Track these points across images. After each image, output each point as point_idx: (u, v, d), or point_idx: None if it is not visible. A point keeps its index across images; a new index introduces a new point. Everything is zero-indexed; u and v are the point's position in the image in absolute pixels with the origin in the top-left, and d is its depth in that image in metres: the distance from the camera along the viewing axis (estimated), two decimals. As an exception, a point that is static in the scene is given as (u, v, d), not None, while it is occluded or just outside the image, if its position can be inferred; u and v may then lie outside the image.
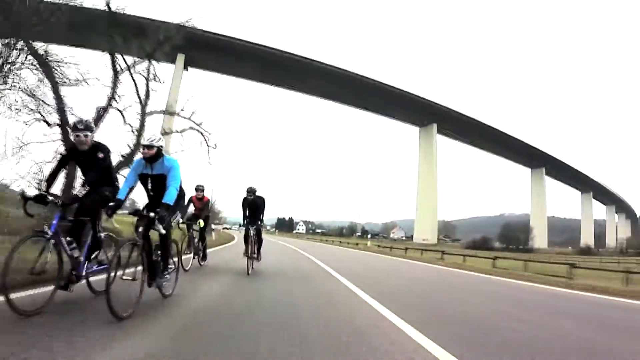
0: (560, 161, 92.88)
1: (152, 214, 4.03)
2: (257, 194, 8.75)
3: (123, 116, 11.81)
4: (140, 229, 4.10)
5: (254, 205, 8.75)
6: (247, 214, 8.79)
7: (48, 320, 3.34)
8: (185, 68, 64.54)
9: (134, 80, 12.13)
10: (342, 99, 78.22)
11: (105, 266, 4.31)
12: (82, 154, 4.20)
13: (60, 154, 4.31)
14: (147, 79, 12.32)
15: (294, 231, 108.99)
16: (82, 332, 3.10)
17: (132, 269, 3.88)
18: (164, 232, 4.28)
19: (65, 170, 4.40)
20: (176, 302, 4.63)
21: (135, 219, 4.21)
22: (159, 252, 4.50)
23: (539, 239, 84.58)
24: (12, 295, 3.34)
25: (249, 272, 7.98)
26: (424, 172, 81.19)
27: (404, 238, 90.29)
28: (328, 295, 6.26)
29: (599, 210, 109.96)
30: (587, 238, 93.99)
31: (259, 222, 8.84)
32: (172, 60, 54.56)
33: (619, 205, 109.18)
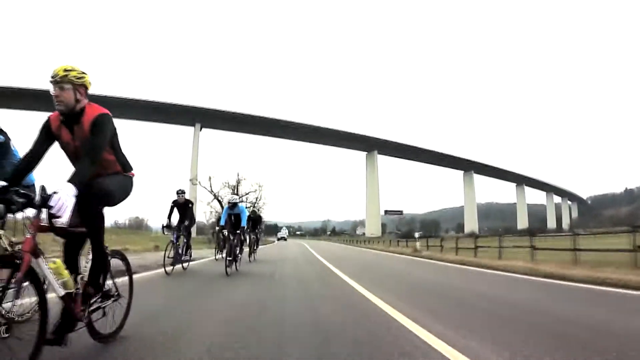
0: (487, 164, 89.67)
1: (238, 231, 6.84)
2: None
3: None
4: (232, 237, 6.63)
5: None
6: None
7: (184, 277, 5.84)
8: (200, 129, 68.06)
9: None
10: (314, 140, 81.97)
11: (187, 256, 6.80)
12: (182, 205, 6.71)
13: (171, 205, 6.82)
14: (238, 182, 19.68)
15: (278, 234, 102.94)
16: (208, 280, 5.61)
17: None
18: (242, 239, 7.32)
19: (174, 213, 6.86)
20: (243, 270, 6.95)
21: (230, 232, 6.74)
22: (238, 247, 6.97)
23: (471, 225, 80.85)
24: (167, 268, 5.91)
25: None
26: (369, 185, 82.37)
27: (362, 234, 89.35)
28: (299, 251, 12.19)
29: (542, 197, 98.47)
30: (522, 222, 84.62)
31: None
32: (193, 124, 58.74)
33: (560, 191, 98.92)
